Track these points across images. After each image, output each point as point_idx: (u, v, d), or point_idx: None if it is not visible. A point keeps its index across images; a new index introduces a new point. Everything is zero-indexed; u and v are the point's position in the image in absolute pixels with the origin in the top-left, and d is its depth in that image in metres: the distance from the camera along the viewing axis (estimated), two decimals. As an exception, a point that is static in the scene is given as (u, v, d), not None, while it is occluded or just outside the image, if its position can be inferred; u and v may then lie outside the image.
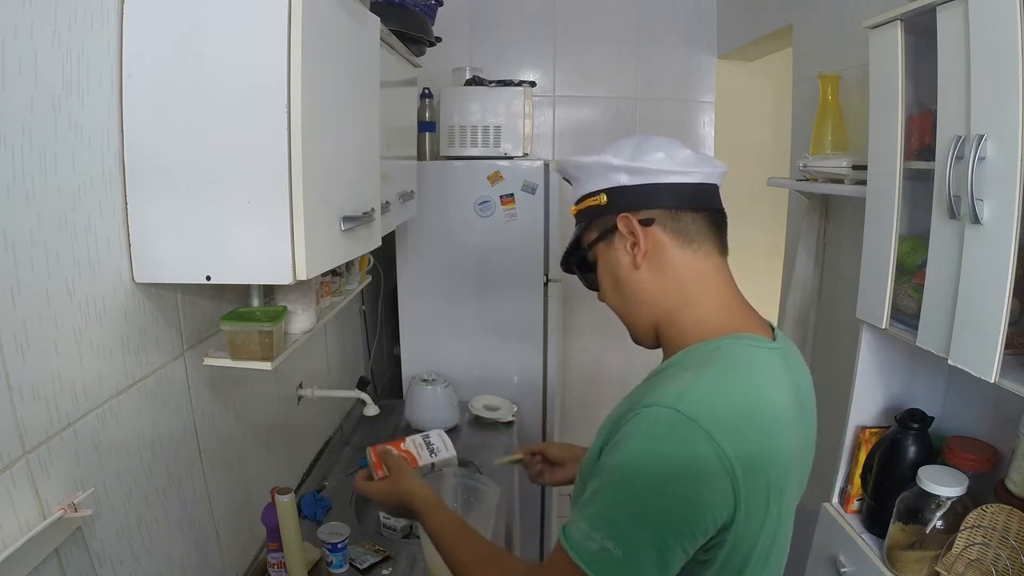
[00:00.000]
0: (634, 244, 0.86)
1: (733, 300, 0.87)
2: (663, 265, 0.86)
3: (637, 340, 0.94)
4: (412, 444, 1.20)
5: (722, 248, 0.88)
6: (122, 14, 0.89)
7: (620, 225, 0.86)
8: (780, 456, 0.77)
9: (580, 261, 0.95)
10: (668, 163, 0.85)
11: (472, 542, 0.90)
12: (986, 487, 1.19)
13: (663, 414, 0.72)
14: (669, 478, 0.71)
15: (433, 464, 1.19)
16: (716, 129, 2.95)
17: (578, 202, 0.93)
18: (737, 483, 0.72)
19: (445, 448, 1.21)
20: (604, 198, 0.88)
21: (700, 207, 0.86)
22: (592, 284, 0.95)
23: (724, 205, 0.90)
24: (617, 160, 0.86)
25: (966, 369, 1.04)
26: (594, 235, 0.91)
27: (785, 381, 0.83)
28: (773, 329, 0.89)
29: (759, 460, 0.74)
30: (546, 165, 2.31)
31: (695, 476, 0.71)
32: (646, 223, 0.85)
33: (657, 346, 0.91)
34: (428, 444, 1.21)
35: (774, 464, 0.76)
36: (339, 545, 1.39)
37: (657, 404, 0.74)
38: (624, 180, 0.86)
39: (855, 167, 1.53)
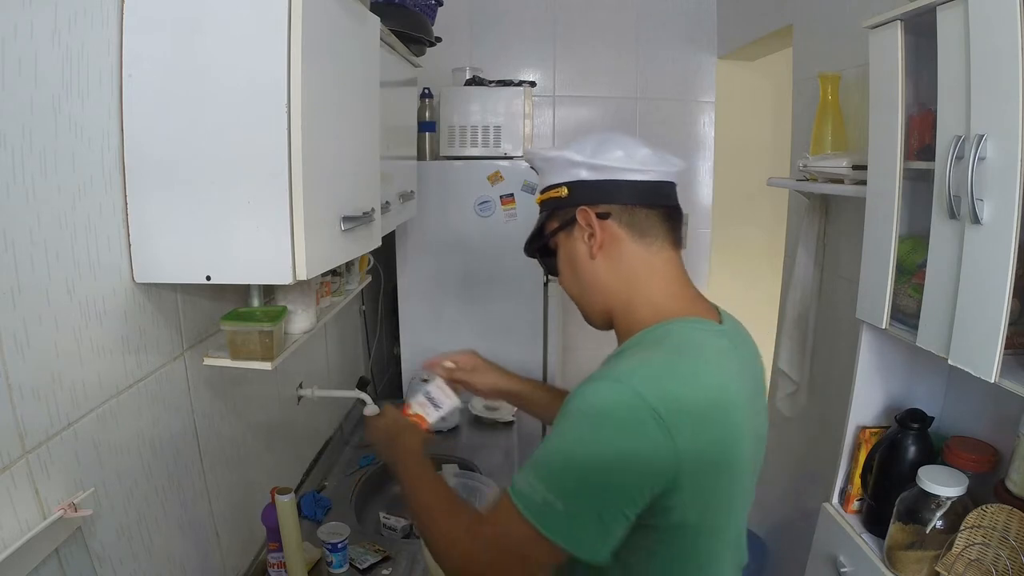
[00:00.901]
0: (591, 235, 0.92)
1: (683, 289, 0.93)
2: (617, 256, 0.92)
3: (590, 322, 1.00)
4: (417, 406, 1.18)
5: (675, 242, 0.94)
6: (122, 14, 0.89)
7: (579, 217, 0.92)
8: (726, 428, 0.82)
9: (542, 248, 1.01)
10: (626, 161, 0.90)
11: (434, 487, 0.95)
12: (986, 487, 1.19)
13: (613, 386, 0.78)
14: (611, 443, 0.76)
15: (443, 418, 1.20)
16: (716, 129, 2.95)
17: (542, 192, 0.99)
18: (677, 451, 0.76)
19: (447, 397, 1.20)
20: (565, 191, 0.93)
21: (655, 204, 0.92)
22: (552, 269, 1.02)
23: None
24: (579, 156, 0.91)
25: (966, 369, 1.04)
26: (555, 224, 0.97)
27: (730, 360, 0.88)
28: (720, 313, 0.95)
29: (702, 431, 0.78)
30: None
31: (635, 442, 0.76)
32: (602, 216, 0.91)
33: (609, 328, 0.98)
34: (431, 400, 1.20)
35: (719, 436, 0.81)
36: (339, 545, 1.39)
37: (608, 378, 0.80)
38: (584, 175, 0.92)
39: (855, 167, 1.53)
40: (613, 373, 0.80)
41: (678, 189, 0.95)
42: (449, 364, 1.23)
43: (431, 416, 1.17)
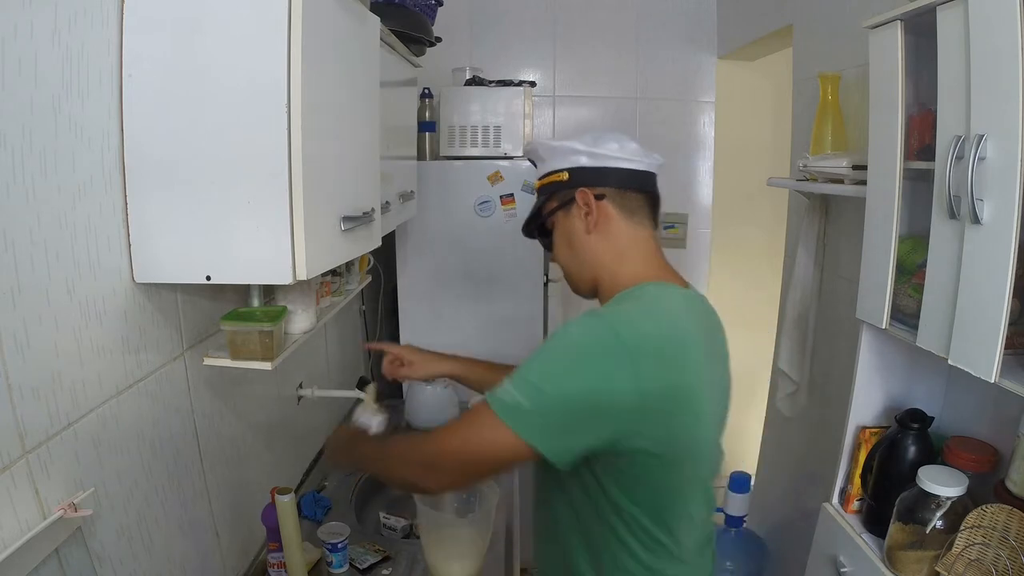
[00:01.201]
0: (587, 213, 1.06)
1: (658, 262, 1.09)
2: (609, 232, 1.07)
3: (578, 291, 1.15)
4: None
5: (654, 224, 1.11)
6: (122, 14, 0.89)
7: (578, 197, 1.06)
8: (685, 362, 0.94)
9: (540, 226, 1.15)
10: (620, 151, 1.07)
11: (392, 441, 1.12)
12: (986, 487, 1.19)
13: (593, 321, 0.93)
14: (580, 357, 0.90)
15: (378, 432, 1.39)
16: (716, 129, 2.95)
17: (542, 178, 1.13)
18: (640, 379, 0.88)
19: (373, 417, 1.42)
20: (566, 175, 1.08)
21: (641, 189, 1.08)
22: (548, 245, 1.16)
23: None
24: (580, 145, 1.07)
25: (966, 369, 1.04)
26: (554, 205, 1.11)
27: (691, 315, 1.02)
28: (688, 286, 1.10)
29: (664, 364, 0.91)
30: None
31: (605, 370, 0.88)
32: (599, 197, 1.06)
33: (593, 296, 1.12)
34: (362, 426, 1.41)
35: (679, 367, 0.93)
36: (339, 545, 1.39)
37: (591, 315, 0.95)
38: (584, 161, 1.07)
39: (855, 167, 1.53)
40: (596, 313, 0.96)
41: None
42: (388, 357, 1.41)
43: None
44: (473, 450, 0.93)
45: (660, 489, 0.97)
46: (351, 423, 1.36)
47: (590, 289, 1.11)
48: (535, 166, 1.16)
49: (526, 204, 2.30)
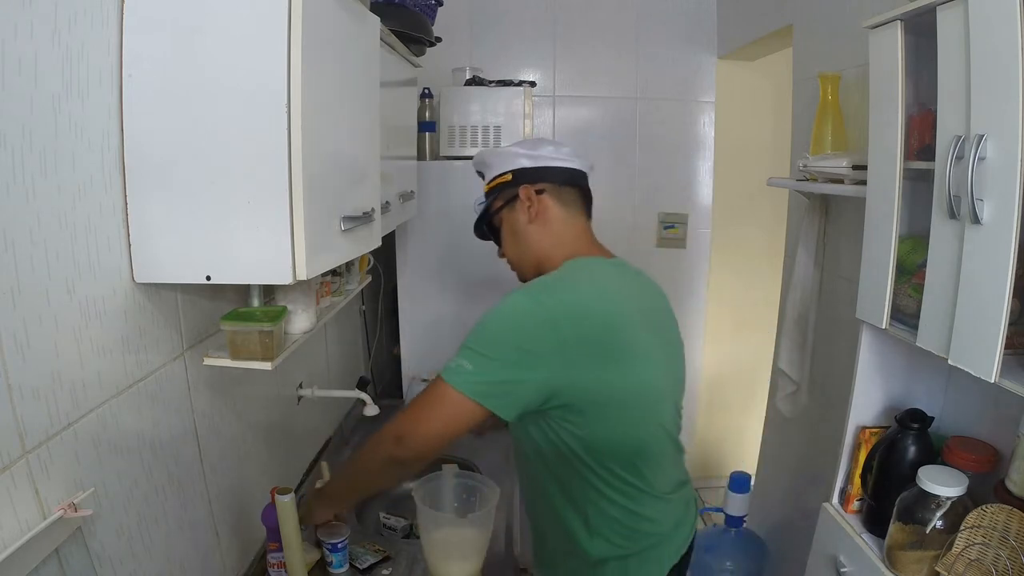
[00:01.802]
0: (530, 206, 1.22)
1: (590, 244, 1.26)
2: (548, 221, 1.23)
3: (523, 278, 1.28)
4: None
5: (588, 215, 1.28)
6: (122, 14, 0.89)
7: (521, 192, 1.23)
8: (611, 324, 1.07)
9: (489, 225, 1.30)
10: (555, 153, 1.24)
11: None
12: (986, 487, 1.19)
13: (518, 292, 1.09)
14: (511, 323, 1.06)
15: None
16: (716, 129, 2.95)
17: (489, 183, 1.28)
18: (563, 339, 1.03)
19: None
20: (510, 176, 1.25)
21: (575, 184, 1.26)
22: (499, 241, 1.31)
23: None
24: (521, 149, 1.25)
25: (966, 369, 1.04)
26: (500, 203, 1.26)
27: (617, 279, 1.18)
28: (614, 258, 1.26)
29: (585, 322, 1.05)
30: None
31: (528, 323, 1.04)
32: (539, 192, 1.23)
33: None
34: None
35: (605, 328, 1.06)
36: (339, 545, 1.39)
37: (515, 292, 1.09)
38: (524, 163, 1.24)
39: (855, 167, 1.53)
40: (524, 287, 1.12)
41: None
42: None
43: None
44: (435, 416, 1.06)
45: (615, 436, 1.11)
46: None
47: (534, 275, 1.22)
48: (482, 177, 1.32)
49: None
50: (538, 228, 1.23)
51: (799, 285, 2.01)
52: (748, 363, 3.08)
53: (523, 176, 1.24)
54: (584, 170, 1.28)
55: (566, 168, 1.25)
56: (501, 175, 1.26)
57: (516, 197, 1.23)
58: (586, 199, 1.28)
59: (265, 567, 1.36)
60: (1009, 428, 1.19)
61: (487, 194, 1.30)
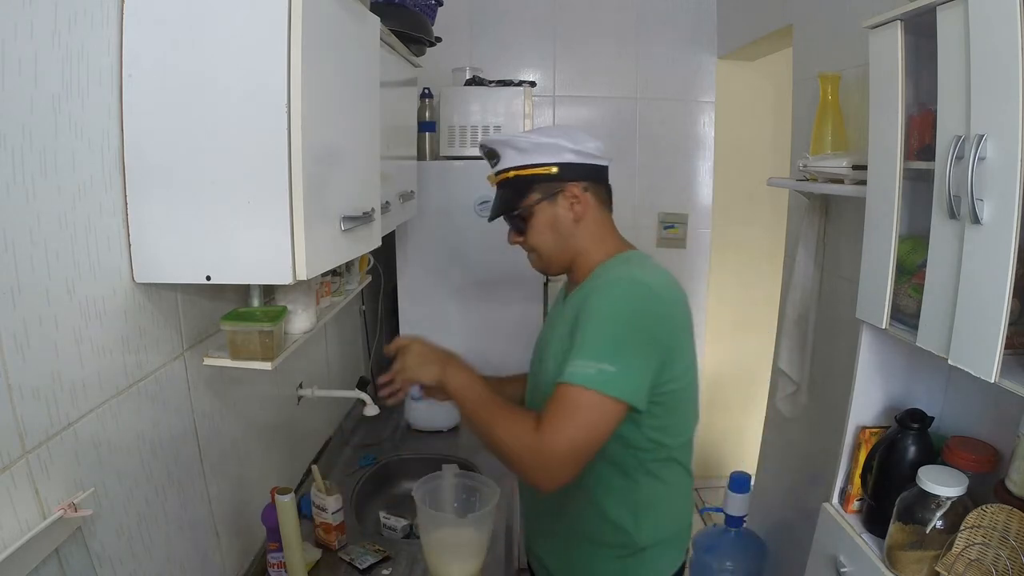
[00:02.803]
0: (575, 204, 1.21)
1: (620, 237, 1.29)
2: (590, 219, 1.23)
3: (546, 270, 1.30)
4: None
5: (611, 210, 1.30)
6: (122, 14, 0.89)
7: (569, 190, 1.21)
8: (686, 310, 1.18)
9: (517, 215, 1.24)
10: (596, 150, 1.24)
11: (494, 406, 1.10)
12: (986, 487, 1.19)
13: (623, 281, 1.13)
14: (632, 313, 1.08)
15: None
16: (716, 129, 2.95)
17: (520, 168, 1.21)
18: (673, 318, 1.13)
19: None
20: (555, 169, 1.20)
21: (606, 182, 1.28)
22: (520, 230, 1.25)
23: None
24: (567, 142, 1.20)
25: (966, 369, 1.04)
26: (537, 196, 1.22)
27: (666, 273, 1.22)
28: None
29: (678, 305, 1.16)
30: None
31: (648, 308, 1.10)
32: (584, 189, 1.22)
33: (561, 273, 1.30)
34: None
35: (685, 313, 1.18)
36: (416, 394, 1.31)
37: (612, 282, 1.13)
38: (570, 157, 1.21)
39: (855, 167, 1.53)
40: (613, 279, 1.14)
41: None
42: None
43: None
44: (583, 436, 1.01)
45: (678, 417, 1.18)
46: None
47: (564, 269, 1.28)
48: (493, 158, 1.25)
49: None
50: (581, 225, 1.23)
51: (799, 285, 2.01)
52: (748, 363, 3.08)
53: (569, 172, 1.21)
54: (608, 165, 1.29)
55: (602, 166, 1.26)
56: (542, 166, 1.20)
57: (560, 192, 1.21)
58: (610, 195, 1.30)
59: (265, 567, 1.36)
60: (1009, 428, 1.19)
61: (514, 181, 1.22)
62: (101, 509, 0.89)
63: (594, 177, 1.23)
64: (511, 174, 1.22)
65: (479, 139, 2.35)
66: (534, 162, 1.20)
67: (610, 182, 1.29)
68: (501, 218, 1.28)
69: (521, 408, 1.19)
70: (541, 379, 1.24)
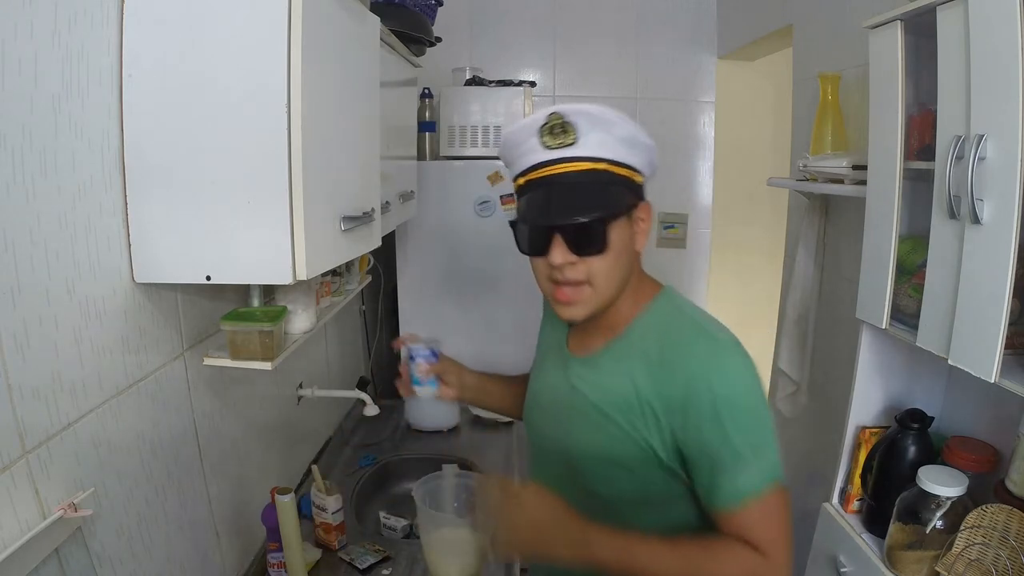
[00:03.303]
0: (643, 226, 0.96)
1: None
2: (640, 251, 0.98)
3: (596, 308, 0.94)
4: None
5: None
6: (122, 14, 0.89)
7: (642, 209, 0.95)
8: None
9: (605, 222, 0.90)
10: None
11: (675, 554, 0.88)
12: (986, 487, 1.19)
13: (736, 358, 0.90)
14: (759, 393, 0.90)
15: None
16: (716, 129, 2.95)
17: (619, 165, 0.91)
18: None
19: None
20: (640, 179, 0.96)
21: None
22: (599, 246, 0.90)
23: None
24: (653, 150, 0.96)
25: (966, 369, 1.04)
26: (622, 208, 0.92)
27: None
28: None
29: None
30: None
31: (759, 381, 0.91)
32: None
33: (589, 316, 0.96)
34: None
35: None
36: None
37: (721, 351, 0.90)
38: (647, 172, 0.97)
39: (855, 167, 1.53)
40: (722, 346, 0.90)
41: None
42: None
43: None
44: (789, 532, 0.88)
45: None
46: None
47: (606, 304, 0.95)
48: (566, 135, 0.90)
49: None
50: (637, 258, 0.98)
51: (799, 285, 2.01)
52: (748, 363, 3.07)
53: (643, 187, 0.96)
54: None
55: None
56: (633, 170, 0.93)
57: (635, 207, 0.93)
58: None
59: (265, 567, 1.36)
60: (1009, 428, 1.19)
61: (608, 179, 0.91)
62: (101, 509, 0.89)
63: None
64: (602, 166, 0.90)
65: (479, 139, 2.37)
66: (626, 161, 0.92)
67: None
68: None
69: (706, 539, 0.90)
70: (564, 446, 1.00)
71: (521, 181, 0.96)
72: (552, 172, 0.91)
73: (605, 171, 0.90)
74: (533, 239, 0.93)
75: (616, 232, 0.90)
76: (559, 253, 0.90)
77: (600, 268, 0.91)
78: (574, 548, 0.87)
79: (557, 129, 0.90)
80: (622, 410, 0.92)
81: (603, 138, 0.90)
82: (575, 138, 0.89)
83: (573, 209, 0.89)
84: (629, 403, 0.91)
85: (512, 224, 0.96)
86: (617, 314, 0.97)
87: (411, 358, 1.19)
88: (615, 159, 0.91)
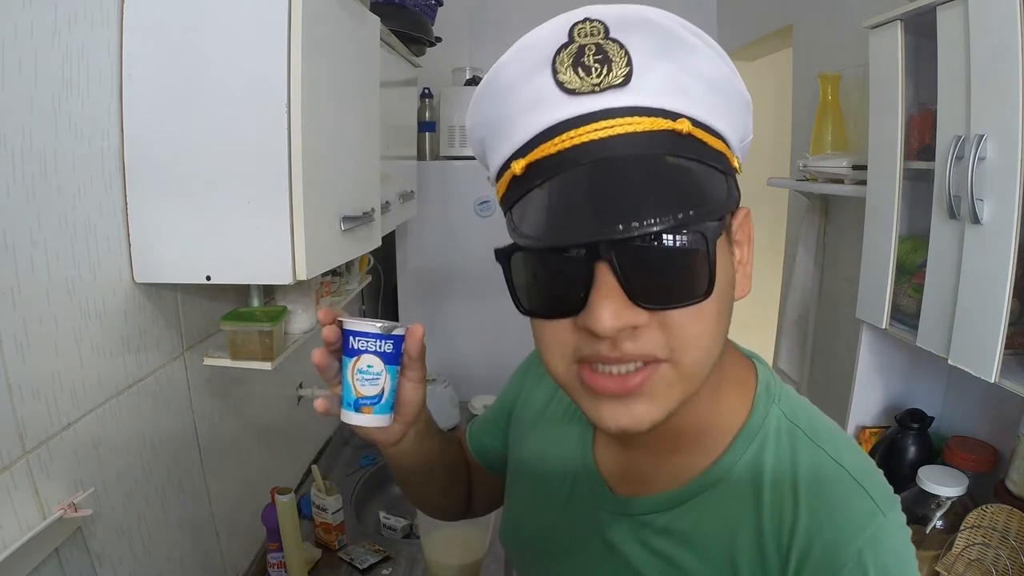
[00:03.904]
0: (740, 255, 0.57)
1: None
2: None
3: (691, 384, 0.50)
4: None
5: None
6: (122, 14, 0.89)
7: (739, 219, 0.56)
8: None
9: (699, 234, 0.46)
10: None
11: None
12: (986, 487, 1.19)
13: (895, 526, 0.57)
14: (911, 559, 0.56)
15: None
16: (716, 129, 2.94)
17: (705, 128, 0.48)
18: None
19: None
20: (737, 162, 0.54)
21: None
22: (707, 287, 0.47)
23: None
24: (750, 119, 0.55)
25: (966, 369, 1.04)
26: (728, 207, 0.49)
27: None
28: None
29: None
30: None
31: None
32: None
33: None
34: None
35: None
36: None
37: (878, 509, 0.56)
38: (741, 154, 0.55)
39: (855, 167, 1.53)
40: (880, 507, 0.55)
41: None
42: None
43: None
44: None
45: None
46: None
47: (697, 385, 0.51)
48: (623, 60, 0.46)
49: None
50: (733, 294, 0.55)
51: (799, 285, 2.01)
52: (748, 363, 3.07)
53: (737, 184, 0.53)
54: None
55: None
56: (728, 144, 0.52)
57: (731, 215, 0.54)
58: None
59: (265, 567, 1.36)
60: (1009, 428, 1.19)
61: (699, 148, 0.48)
62: (101, 509, 0.89)
63: None
64: (684, 126, 0.46)
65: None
66: (720, 129, 0.51)
67: None
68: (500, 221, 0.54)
69: None
70: None
71: (520, 166, 0.49)
72: (587, 139, 0.46)
73: (690, 136, 0.47)
74: (553, 281, 0.50)
75: (721, 258, 0.49)
76: (611, 308, 0.45)
77: (693, 331, 0.48)
78: None
79: (591, 55, 0.46)
80: None
81: (677, 76, 0.47)
82: (628, 72, 0.46)
83: (639, 208, 0.43)
84: None
85: (503, 255, 0.51)
86: (699, 420, 0.55)
87: (349, 351, 0.63)
88: (702, 121, 0.48)
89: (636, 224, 0.41)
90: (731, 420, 0.56)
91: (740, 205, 0.53)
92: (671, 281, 0.46)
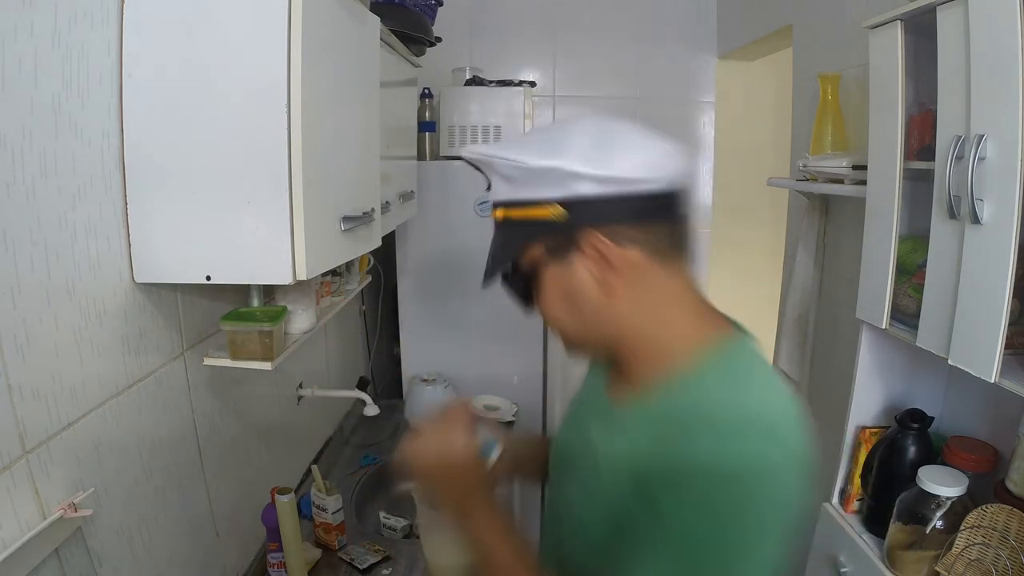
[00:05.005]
0: (602, 267, 0.71)
1: (705, 311, 0.78)
2: (634, 287, 0.72)
3: (576, 353, 0.83)
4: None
5: (689, 256, 0.76)
6: (122, 14, 0.89)
7: (587, 244, 0.71)
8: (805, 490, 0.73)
9: (517, 279, 0.80)
10: (643, 169, 0.69)
11: (517, 553, 0.83)
12: (986, 487, 1.19)
13: (733, 441, 0.68)
14: (749, 508, 0.67)
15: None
16: (716, 129, 2.94)
17: (510, 206, 0.75)
18: (790, 512, 0.72)
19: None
20: (560, 210, 0.70)
21: (676, 217, 0.73)
22: (527, 299, 0.81)
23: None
24: (581, 167, 0.68)
25: (966, 369, 1.04)
26: (540, 250, 0.74)
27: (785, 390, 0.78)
28: (734, 325, 0.79)
29: (803, 486, 0.74)
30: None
31: (784, 494, 0.72)
32: (618, 242, 0.70)
33: (598, 357, 0.87)
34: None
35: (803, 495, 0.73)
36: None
37: (718, 430, 0.67)
38: (586, 190, 0.69)
39: (855, 167, 1.53)
40: (712, 434, 0.66)
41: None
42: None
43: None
44: None
45: None
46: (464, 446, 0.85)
47: (601, 353, 0.83)
48: (482, 174, 0.83)
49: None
50: (622, 299, 0.73)
51: (799, 285, 2.01)
52: (748, 363, 3.07)
53: (586, 212, 0.70)
54: (687, 179, 0.74)
55: (661, 193, 0.70)
56: (539, 204, 0.72)
57: (574, 249, 0.72)
58: (688, 232, 0.76)
59: (265, 567, 1.36)
60: (1009, 428, 1.19)
61: (509, 224, 0.77)
62: (101, 509, 0.89)
63: (647, 215, 0.71)
64: (500, 212, 0.78)
65: (479, 139, 2.37)
66: (530, 197, 0.73)
67: None
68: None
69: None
70: (566, 529, 0.86)
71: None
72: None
73: (504, 217, 0.77)
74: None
75: (547, 279, 0.75)
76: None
77: (548, 314, 0.79)
78: (456, 503, 0.87)
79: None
80: (621, 496, 0.71)
81: (495, 180, 0.78)
82: (488, 184, 0.80)
83: (488, 263, 0.80)
84: (625, 489, 0.71)
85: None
86: (639, 365, 0.76)
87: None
88: (511, 200, 0.75)
89: (487, 277, 0.82)
90: (666, 367, 0.74)
91: (588, 229, 0.71)
92: (519, 293, 0.84)
